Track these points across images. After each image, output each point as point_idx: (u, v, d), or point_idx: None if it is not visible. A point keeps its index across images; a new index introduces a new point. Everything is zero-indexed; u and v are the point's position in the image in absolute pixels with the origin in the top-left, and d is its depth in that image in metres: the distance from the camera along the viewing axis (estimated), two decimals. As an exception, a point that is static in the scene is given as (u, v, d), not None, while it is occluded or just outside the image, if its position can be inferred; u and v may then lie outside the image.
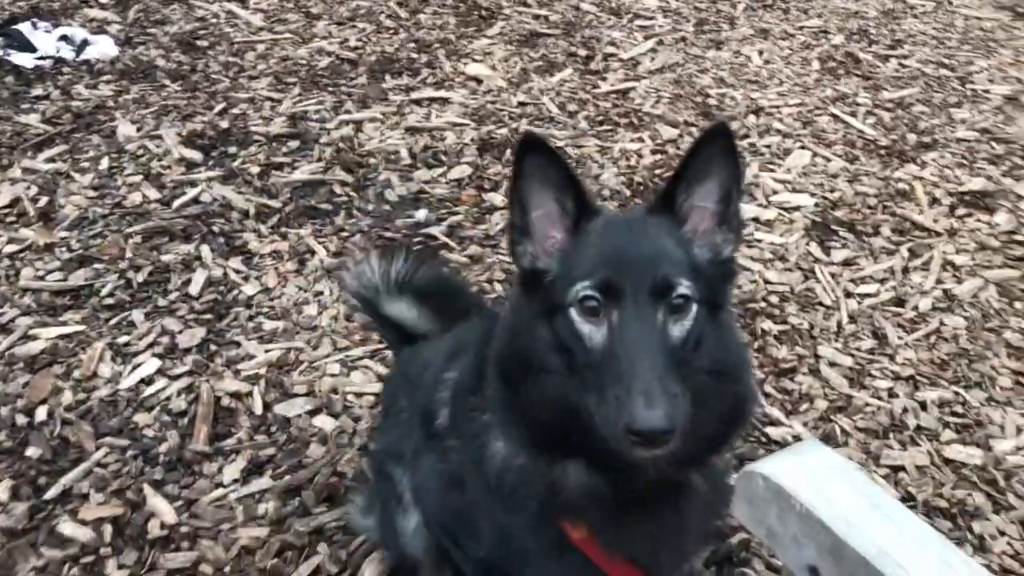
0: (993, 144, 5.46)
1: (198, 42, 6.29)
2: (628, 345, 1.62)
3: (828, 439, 3.38)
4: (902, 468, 3.27)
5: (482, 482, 1.99)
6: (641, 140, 5.32)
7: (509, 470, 1.90)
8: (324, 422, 3.37)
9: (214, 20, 6.61)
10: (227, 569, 2.85)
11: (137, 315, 3.87)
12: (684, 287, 1.70)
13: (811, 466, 1.32)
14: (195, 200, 4.62)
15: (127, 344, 3.72)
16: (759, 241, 4.46)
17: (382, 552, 2.84)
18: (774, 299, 4.10)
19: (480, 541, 2.14)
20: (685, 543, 1.97)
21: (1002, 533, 3.02)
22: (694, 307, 1.72)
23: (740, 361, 1.88)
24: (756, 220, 4.61)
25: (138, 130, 5.21)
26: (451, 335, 2.67)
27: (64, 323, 3.82)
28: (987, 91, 6.15)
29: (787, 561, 1.32)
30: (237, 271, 4.16)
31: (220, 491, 3.09)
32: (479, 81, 5.99)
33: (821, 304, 4.09)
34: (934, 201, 4.88)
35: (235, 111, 5.49)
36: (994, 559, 2.92)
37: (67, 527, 2.95)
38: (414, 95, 5.76)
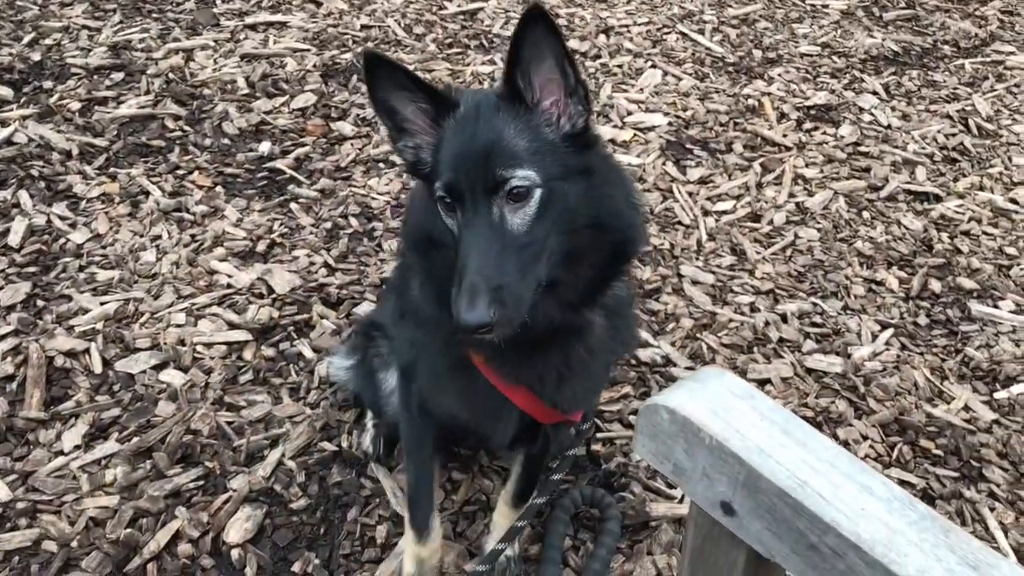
0: (834, 58, 5.57)
1: (-2, -35, 5.66)
2: (465, 243, 1.80)
3: (695, 357, 3.39)
4: (768, 381, 3.32)
5: (406, 309, 2.27)
6: (493, 63, 5.15)
7: (422, 307, 2.11)
8: (172, 376, 3.12)
9: (15, -60, 5.95)
10: (74, 544, 2.60)
11: (-52, 272, 3.47)
12: (520, 177, 1.80)
13: (716, 395, 1.24)
14: (7, 141, 4.16)
15: (-62, 304, 3.34)
16: (617, 162, 4.40)
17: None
18: (635, 220, 4.06)
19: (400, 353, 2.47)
20: (576, 375, 2.13)
21: (865, 437, 3.11)
22: (537, 192, 1.81)
23: (617, 211, 1.95)
24: (612, 142, 4.55)
25: (-66, 65, 4.64)
26: None
27: None
28: (825, 6, 6.27)
29: (696, 498, 1.24)
30: (63, 217, 3.78)
31: (60, 460, 2.82)
32: (318, 4, 5.65)
33: (680, 224, 4.09)
34: (782, 116, 4.95)
35: (48, 42, 4.97)
36: (856, 462, 3.01)
37: None
38: (248, 20, 5.38)
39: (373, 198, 4.06)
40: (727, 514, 1.22)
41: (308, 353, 3.25)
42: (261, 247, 3.71)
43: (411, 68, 4.92)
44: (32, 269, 3.52)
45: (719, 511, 1.22)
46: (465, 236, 1.80)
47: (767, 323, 3.57)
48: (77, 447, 2.86)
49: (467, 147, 1.82)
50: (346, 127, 4.53)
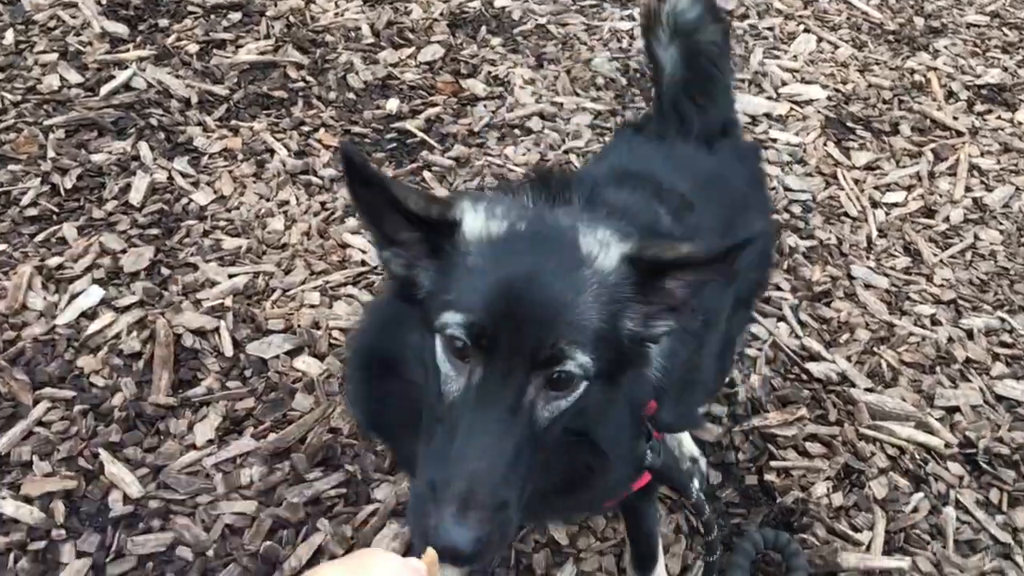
0: (1004, 30, 5.04)
1: None
2: (475, 419, 1.31)
3: (874, 376, 3.05)
4: (957, 409, 2.97)
5: None
6: (632, 19, 4.74)
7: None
8: (308, 364, 2.88)
9: None
10: (210, 553, 2.40)
11: (68, 230, 3.26)
12: (576, 363, 1.33)
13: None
14: (126, 86, 3.91)
15: (60, 267, 3.13)
16: (774, 141, 4.02)
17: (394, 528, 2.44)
18: (796, 209, 3.70)
19: None
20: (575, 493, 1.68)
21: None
22: (583, 386, 1.37)
23: (615, 445, 1.57)
24: (768, 116, 4.16)
25: (47, -4, 4.40)
26: None
27: (-22, 241, 3.19)
28: (991, -32, 5.70)
29: None
30: (184, 175, 3.53)
31: (193, 455, 2.61)
32: (443, -56, 5.26)
33: (847, 215, 3.71)
34: (950, 95, 4.48)
35: (163, -25, 4.69)
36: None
37: (8, 505, 2.44)
38: (371, -41, 5.03)
39: (510, 169, 3.74)
40: None
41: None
42: (395, 220, 3.42)
43: (542, 23, 4.61)
44: (155, 231, 3.29)
45: None
46: (474, 409, 1.31)
47: (951, 339, 3.21)
48: (210, 441, 2.64)
49: (522, 288, 1.33)
50: (478, 86, 4.19)
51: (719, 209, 2.15)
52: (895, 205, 3.78)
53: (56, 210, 3.34)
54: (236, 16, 4.45)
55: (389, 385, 1.56)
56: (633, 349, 1.44)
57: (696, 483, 2.26)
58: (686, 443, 2.73)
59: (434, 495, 1.27)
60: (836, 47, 4.71)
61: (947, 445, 2.86)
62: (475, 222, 1.40)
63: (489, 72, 4.30)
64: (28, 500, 2.46)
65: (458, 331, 1.32)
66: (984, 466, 2.82)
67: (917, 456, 2.83)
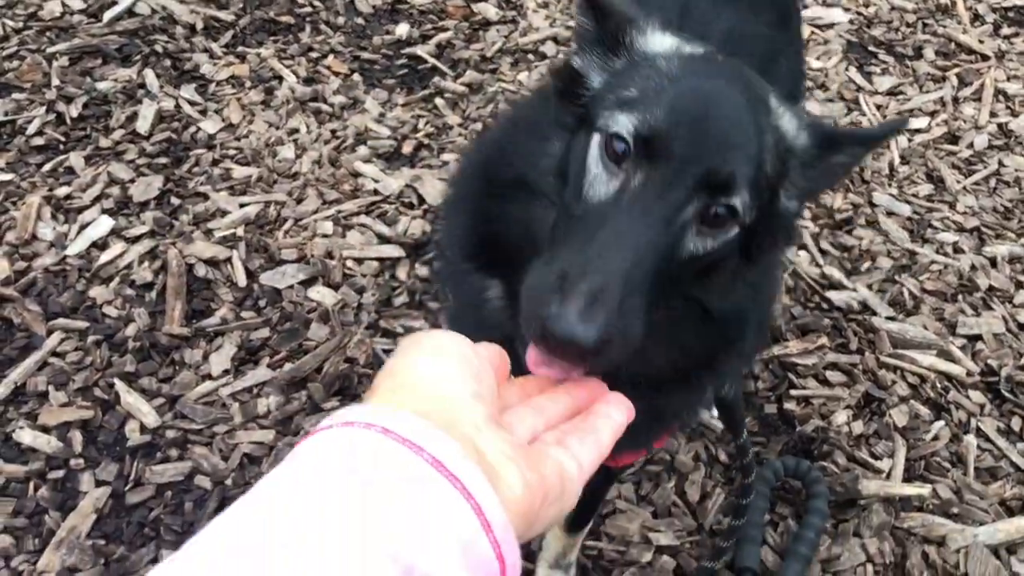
0: (1032, -51, 4.88)
1: None
2: (623, 222, 1.18)
3: (896, 304, 3.01)
4: (979, 337, 2.93)
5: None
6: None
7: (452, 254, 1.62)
8: (322, 294, 2.84)
9: None
10: (228, 482, 2.40)
11: (76, 159, 3.20)
12: (741, 200, 1.21)
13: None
14: (129, 12, 3.81)
15: (68, 197, 3.08)
16: (794, 66, 3.91)
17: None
18: (817, 136, 3.61)
19: None
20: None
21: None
22: (735, 231, 1.24)
23: (743, 317, 1.44)
24: (788, 40, 4.04)
25: (45, -82, 4.26)
26: None
27: (-15, 170, 3.13)
28: None
29: None
30: (192, 102, 3.46)
31: (208, 384, 2.59)
32: None
33: (869, 142, 3.62)
34: (976, 18, 4.35)
35: None
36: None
37: (26, 435, 2.43)
38: None
39: (525, 95, 3.65)
40: None
41: (466, 275, 2.94)
42: (407, 148, 3.36)
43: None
44: (163, 160, 3.23)
45: None
46: (624, 212, 1.20)
47: (973, 267, 3.15)
48: (226, 371, 2.62)
49: (710, 107, 1.23)
50: (489, 9, 4.08)
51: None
52: (918, 131, 3.69)
53: (62, 139, 3.28)
54: (239, -62, 4.32)
55: (508, 206, 1.45)
56: (781, 219, 1.36)
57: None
58: None
59: (562, 285, 1.14)
60: (859, -32, 4.57)
61: (969, 373, 2.83)
62: (664, 38, 1.34)
63: (501, -5, 4.19)
64: (45, 430, 2.45)
65: (626, 131, 1.22)
66: (1006, 394, 2.79)
67: (938, 384, 2.80)
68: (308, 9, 3.99)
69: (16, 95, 3.40)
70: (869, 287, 3.04)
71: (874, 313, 2.96)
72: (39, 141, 3.26)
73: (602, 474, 1.96)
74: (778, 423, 2.69)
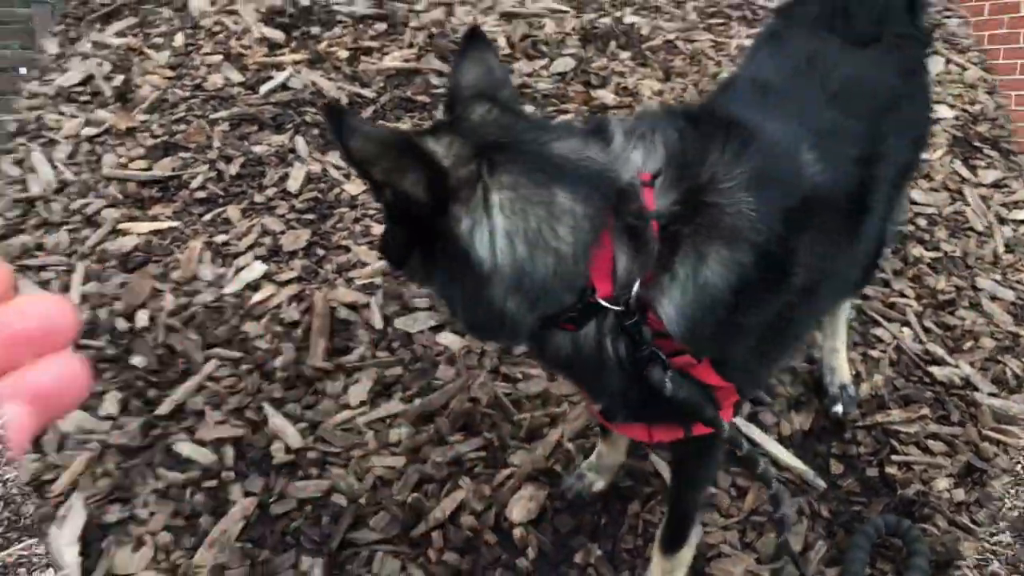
0: None
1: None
2: None
3: (999, 382, 3.09)
4: (1083, 422, 2.99)
5: None
6: (758, 37, 4.87)
7: None
8: (450, 340, 3.08)
9: None
10: (362, 501, 2.61)
11: (233, 211, 3.56)
12: None
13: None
14: (283, 86, 4.24)
15: (226, 244, 3.42)
16: (899, 156, 4.09)
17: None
18: (922, 222, 3.76)
19: None
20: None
21: None
22: None
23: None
24: (893, 133, 4.22)
25: (212, 3, 4.79)
26: None
27: (155, 218, 3.51)
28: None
29: None
30: (337, 167, 3.81)
31: (347, 413, 2.83)
32: (575, -36, 5.50)
33: (973, 230, 3.75)
34: (1082, 119, 4.47)
35: (315, -13, 5.04)
36: None
37: (185, 447, 2.71)
38: (508, -23, 5.29)
39: (639, 173, 3.90)
40: None
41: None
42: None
43: (671, 38, 4.78)
44: (310, 216, 3.56)
45: None
46: None
47: (1078, 352, 3.23)
48: (363, 402, 2.87)
49: None
50: (608, 96, 4.38)
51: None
52: (1022, 223, 3.81)
53: (222, 194, 3.65)
54: (382, 26, 4.76)
55: None
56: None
57: (840, 408, 2.76)
58: (840, 370, 2.89)
59: None
60: (964, 69, 4.75)
61: (1072, 452, 2.89)
62: None
63: (618, 83, 4.49)
64: (202, 444, 2.72)
65: None
66: (1111, 477, 2.84)
67: (1041, 460, 2.87)
68: (442, 90, 4.35)
69: (183, 154, 3.81)
70: (971, 364, 3.14)
71: (976, 389, 3.05)
72: (201, 194, 3.64)
73: (675, 483, 2.18)
74: (879, 486, 2.78)
